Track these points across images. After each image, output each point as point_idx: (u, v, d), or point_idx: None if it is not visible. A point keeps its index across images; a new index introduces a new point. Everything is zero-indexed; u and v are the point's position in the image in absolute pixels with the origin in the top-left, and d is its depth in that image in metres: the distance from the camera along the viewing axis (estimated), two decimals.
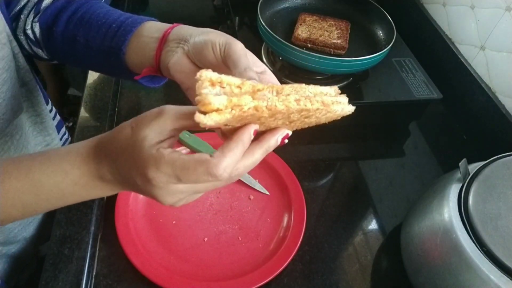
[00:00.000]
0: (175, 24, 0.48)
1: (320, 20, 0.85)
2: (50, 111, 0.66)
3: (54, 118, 0.68)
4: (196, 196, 0.40)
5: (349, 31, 0.84)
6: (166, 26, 0.48)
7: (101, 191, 0.40)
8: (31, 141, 0.59)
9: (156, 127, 0.35)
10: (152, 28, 0.48)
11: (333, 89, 0.41)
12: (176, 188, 0.37)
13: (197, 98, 0.31)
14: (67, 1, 0.54)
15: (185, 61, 0.44)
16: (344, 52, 0.80)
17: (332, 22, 0.85)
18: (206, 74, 0.31)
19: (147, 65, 0.47)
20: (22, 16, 0.55)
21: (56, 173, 0.39)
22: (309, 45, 0.80)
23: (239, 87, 0.32)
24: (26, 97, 0.55)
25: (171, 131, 0.36)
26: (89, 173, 0.39)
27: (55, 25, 0.53)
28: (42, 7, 0.55)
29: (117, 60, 0.49)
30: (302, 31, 0.81)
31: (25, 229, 0.64)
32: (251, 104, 0.31)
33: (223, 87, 0.32)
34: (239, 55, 0.41)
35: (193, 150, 0.73)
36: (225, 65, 0.42)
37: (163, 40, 0.46)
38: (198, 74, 0.31)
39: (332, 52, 0.80)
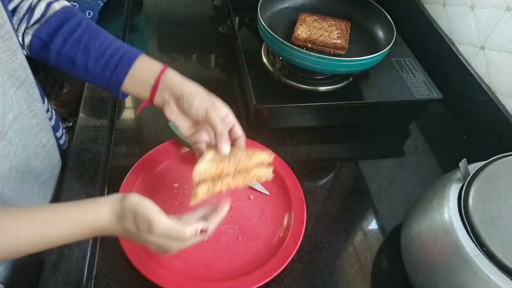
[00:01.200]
0: (163, 68, 0.60)
1: (320, 20, 0.85)
2: (47, 111, 0.65)
3: (50, 119, 0.68)
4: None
5: (349, 31, 0.84)
6: (156, 71, 0.60)
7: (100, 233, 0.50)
8: (30, 144, 0.59)
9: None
10: (144, 71, 0.60)
11: (268, 157, 0.59)
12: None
13: (194, 193, 0.54)
14: (61, 20, 0.59)
15: (176, 109, 0.59)
16: (344, 52, 0.80)
17: (332, 22, 0.85)
18: (198, 180, 0.55)
19: (141, 98, 0.61)
20: (15, 17, 0.57)
21: (82, 210, 0.48)
22: (309, 45, 0.80)
23: (214, 178, 0.56)
24: (22, 97, 0.55)
25: None
26: (108, 224, 0.49)
27: (51, 43, 0.58)
28: (33, 19, 0.58)
29: (115, 87, 0.60)
30: (302, 31, 0.81)
31: None
32: (219, 188, 0.56)
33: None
34: (215, 122, 0.56)
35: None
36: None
37: (156, 88, 0.59)
38: (194, 178, 0.54)
39: (332, 52, 0.80)
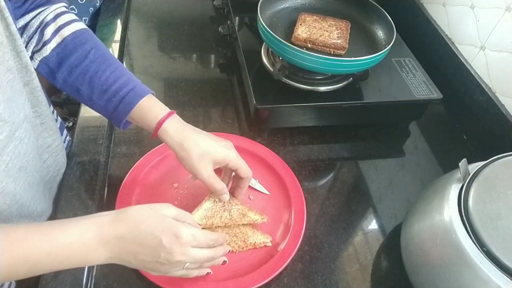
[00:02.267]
0: (164, 117, 0.60)
1: (320, 20, 0.85)
2: (53, 112, 0.66)
3: (56, 120, 0.68)
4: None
5: (349, 31, 0.84)
6: (158, 118, 0.60)
7: (98, 257, 0.48)
8: (38, 145, 0.59)
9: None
10: (147, 115, 0.60)
11: (261, 219, 0.65)
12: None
13: None
14: (70, 49, 0.60)
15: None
16: (344, 52, 0.80)
17: (332, 22, 0.85)
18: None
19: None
20: (24, 35, 0.58)
21: (73, 233, 0.46)
22: (309, 45, 0.80)
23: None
24: (27, 98, 0.55)
25: None
26: (98, 238, 0.47)
27: (58, 71, 0.60)
28: (42, 41, 0.59)
29: (117, 122, 0.62)
30: (302, 31, 0.81)
31: None
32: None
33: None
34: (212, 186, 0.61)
35: None
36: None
37: (156, 133, 0.60)
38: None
39: (332, 52, 0.80)
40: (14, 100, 0.51)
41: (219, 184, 0.61)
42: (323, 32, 0.81)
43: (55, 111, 0.69)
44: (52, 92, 1.14)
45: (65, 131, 0.74)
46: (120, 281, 0.59)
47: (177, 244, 0.49)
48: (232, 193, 0.66)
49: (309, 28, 0.82)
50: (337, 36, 0.81)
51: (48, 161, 0.63)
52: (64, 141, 0.72)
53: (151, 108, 0.61)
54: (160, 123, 0.60)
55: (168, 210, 0.51)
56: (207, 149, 0.60)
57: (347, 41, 0.81)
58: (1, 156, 0.49)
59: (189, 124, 0.63)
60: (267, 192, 0.70)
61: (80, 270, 0.57)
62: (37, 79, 0.56)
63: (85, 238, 0.46)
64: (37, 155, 0.59)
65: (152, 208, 0.50)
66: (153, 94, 0.62)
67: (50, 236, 0.45)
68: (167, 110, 0.61)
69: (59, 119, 0.71)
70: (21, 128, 0.53)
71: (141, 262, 0.49)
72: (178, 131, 0.60)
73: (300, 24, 0.83)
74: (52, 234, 0.46)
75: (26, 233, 0.45)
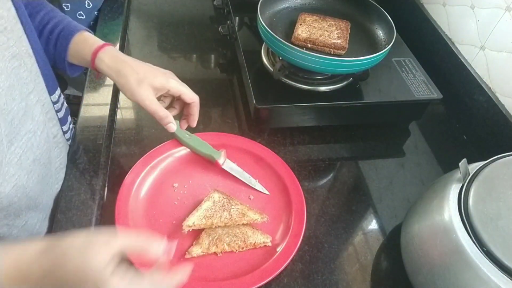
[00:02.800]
0: (101, 46, 0.62)
1: (320, 20, 0.85)
2: (55, 102, 0.65)
3: (59, 111, 0.67)
4: None
5: (349, 31, 0.84)
6: (94, 47, 0.61)
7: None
8: (48, 136, 0.60)
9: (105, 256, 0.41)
10: (81, 50, 0.62)
11: (261, 218, 0.65)
12: None
13: (188, 250, 0.61)
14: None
15: None
16: (344, 52, 0.80)
17: (332, 22, 0.85)
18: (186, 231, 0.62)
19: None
20: None
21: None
22: (309, 45, 0.80)
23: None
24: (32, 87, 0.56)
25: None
26: (19, 274, 0.42)
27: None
28: None
29: (60, 62, 0.64)
30: (302, 31, 0.81)
31: (34, 229, 0.64)
32: (213, 251, 0.62)
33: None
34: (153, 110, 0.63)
35: (194, 150, 0.73)
36: None
37: (94, 59, 0.61)
38: (183, 230, 0.61)
39: (332, 52, 0.80)
40: (18, 87, 0.51)
41: (162, 111, 0.62)
42: (323, 32, 0.81)
43: (58, 100, 0.67)
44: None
45: (68, 123, 0.72)
46: None
47: None
48: (188, 122, 0.70)
49: (309, 28, 0.82)
50: (337, 36, 0.81)
51: (55, 152, 0.64)
52: (67, 133, 0.71)
53: (86, 40, 0.62)
54: (95, 52, 0.60)
55: (105, 254, 0.42)
56: (144, 74, 0.61)
57: (347, 41, 0.81)
58: (12, 148, 0.50)
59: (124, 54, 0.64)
60: (267, 192, 0.70)
61: None
62: (36, 64, 0.56)
63: (4, 275, 0.42)
64: (48, 146, 0.60)
65: (87, 252, 0.42)
66: (88, 31, 0.64)
67: None
68: (102, 42, 0.62)
69: (64, 109, 0.70)
70: (33, 120, 0.53)
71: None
72: (114, 58, 0.61)
73: (300, 24, 0.83)
74: None
75: None
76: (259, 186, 0.71)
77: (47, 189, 0.61)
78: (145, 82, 0.61)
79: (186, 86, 0.65)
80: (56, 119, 0.64)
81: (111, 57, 0.61)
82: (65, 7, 1.06)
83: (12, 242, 0.44)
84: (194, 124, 0.70)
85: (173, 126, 0.66)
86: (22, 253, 0.43)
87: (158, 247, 0.45)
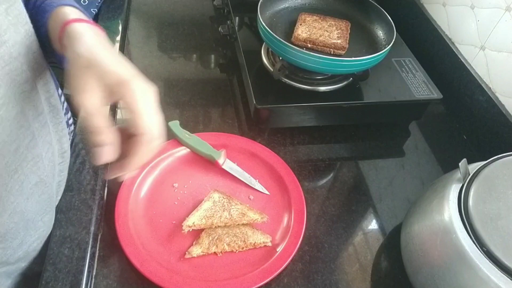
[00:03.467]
0: (78, 20, 0.46)
1: (320, 20, 0.85)
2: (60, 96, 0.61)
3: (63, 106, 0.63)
4: None
5: (349, 31, 0.84)
6: (61, 23, 0.46)
7: None
8: (55, 154, 0.57)
9: None
10: (54, 24, 0.47)
11: (261, 218, 0.65)
12: None
13: (188, 250, 0.61)
14: None
15: None
16: (344, 52, 0.80)
17: (332, 22, 0.85)
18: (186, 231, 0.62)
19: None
20: None
21: None
22: (309, 45, 0.80)
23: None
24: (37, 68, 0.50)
25: None
26: None
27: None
28: None
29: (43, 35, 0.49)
30: (302, 31, 0.81)
31: (31, 247, 0.62)
32: (213, 251, 0.62)
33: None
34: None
35: (194, 150, 0.73)
36: None
37: (61, 36, 0.46)
38: (183, 230, 0.61)
39: (332, 52, 0.80)
40: (29, 110, 0.48)
41: (100, 117, 0.40)
42: (323, 32, 0.81)
43: (64, 103, 0.62)
44: None
45: (69, 113, 0.68)
46: (120, 281, 0.59)
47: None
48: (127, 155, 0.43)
49: (309, 28, 0.82)
50: (337, 36, 0.81)
51: (61, 166, 0.61)
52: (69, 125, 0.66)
53: (64, 13, 0.47)
54: (66, 23, 0.44)
55: None
56: (103, 60, 0.41)
57: (347, 41, 0.81)
58: (16, 176, 0.46)
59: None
60: (267, 192, 0.70)
61: (80, 270, 0.57)
62: (37, 43, 0.50)
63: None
64: (53, 165, 0.56)
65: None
66: (77, 8, 0.50)
67: None
68: (85, 19, 0.47)
69: (65, 104, 0.65)
70: (41, 142, 0.49)
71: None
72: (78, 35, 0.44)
73: (300, 24, 0.83)
74: None
75: None
76: (259, 186, 0.71)
77: (46, 207, 0.57)
78: (95, 70, 0.40)
79: (156, 113, 0.42)
80: (67, 134, 0.59)
81: (81, 32, 0.44)
82: None
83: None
84: (133, 167, 0.43)
85: (108, 154, 0.42)
86: None
87: None
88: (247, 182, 0.71)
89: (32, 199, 0.52)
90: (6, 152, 0.44)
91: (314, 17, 0.85)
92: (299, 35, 0.80)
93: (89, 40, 0.43)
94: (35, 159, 0.49)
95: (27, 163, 0.48)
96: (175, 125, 0.75)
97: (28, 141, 0.47)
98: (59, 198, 0.64)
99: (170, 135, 0.74)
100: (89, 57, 0.40)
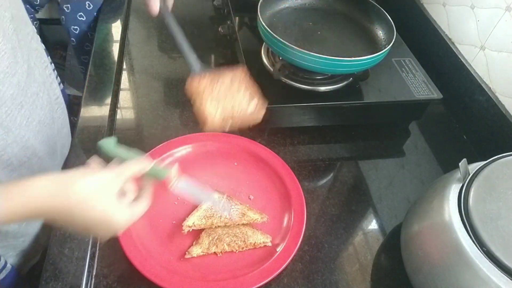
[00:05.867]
0: None
1: (217, 81, 0.64)
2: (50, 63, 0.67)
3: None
4: None
5: (250, 78, 0.66)
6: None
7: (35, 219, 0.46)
8: (50, 97, 0.62)
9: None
10: None
11: (261, 218, 0.65)
12: None
13: (188, 250, 0.61)
14: None
15: None
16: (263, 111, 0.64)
17: (229, 74, 0.66)
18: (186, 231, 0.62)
19: None
20: None
21: (20, 202, 0.42)
22: (227, 130, 0.62)
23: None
24: (35, 47, 0.57)
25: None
26: (41, 208, 0.43)
27: None
28: None
29: None
30: (210, 105, 0.60)
31: (31, 225, 0.66)
32: (213, 251, 0.62)
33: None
34: None
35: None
36: None
37: None
38: (183, 230, 0.61)
39: (250, 126, 0.64)
40: (19, 50, 0.51)
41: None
42: (233, 97, 0.63)
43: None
44: None
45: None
46: (120, 281, 0.59)
47: (111, 230, 0.49)
48: None
49: (217, 99, 0.61)
50: (249, 95, 0.64)
51: (57, 113, 0.66)
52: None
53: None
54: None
55: (111, 192, 0.47)
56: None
57: (259, 96, 0.65)
58: (22, 111, 0.52)
59: None
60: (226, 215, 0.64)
61: (80, 270, 0.57)
62: (31, 25, 0.57)
63: (30, 208, 0.43)
64: (51, 107, 0.61)
65: (98, 192, 0.46)
66: None
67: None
68: None
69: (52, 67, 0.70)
70: (35, 82, 0.54)
71: (73, 229, 0.51)
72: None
73: (202, 103, 0.61)
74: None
75: None
76: (218, 204, 0.64)
77: (53, 152, 0.63)
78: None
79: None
80: (56, 80, 0.65)
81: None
82: (65, 9, 1.06)
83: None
84: None
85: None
86: (28, 190, 0.43)
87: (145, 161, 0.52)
88: (203, 200, 0.64)
89: (39, 137, 0.56)
90: (9, 84, 0.49)
91: (206, 79, 0.64)
92: (212, 116, 0.60)
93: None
94: (33, 97, 0.54)
95: (28, 98, 0.53)
96: (108, 143, 0.55)
97: (25, 77, 0.52)
98: (65, 151, 0.70)
99: (171, 135, 0.74)
100: None
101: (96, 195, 0.46)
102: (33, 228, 0.66)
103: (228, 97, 0.61)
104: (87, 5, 1.05)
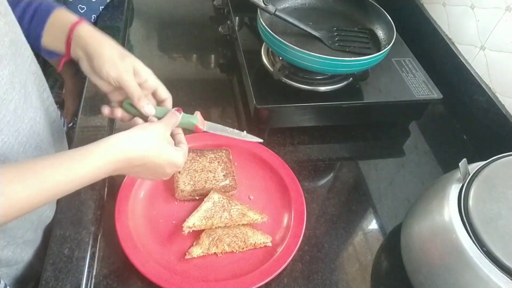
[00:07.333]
0: (76, 21, 0.57)
1: (198, 158, 0.72)
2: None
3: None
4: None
5: (232, 161, 0.73)
6: (70, 24, 0.56)
7: (105, 173, 0.49)
8: (48, 120, 0.62)
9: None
10: (60, 23, 0.57)
11: (261, 218, 0.65)
12: None
13: (188, 251, 0.61)
14: None
15: (89, 68, 0.57)
16: (235, 191, 0.69)
17: (212, 156, 0.73)
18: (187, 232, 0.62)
19: (61, 53, 0.58)
20: None
21: (88, 164, 0.47)
22: (198, 198, 0.68)
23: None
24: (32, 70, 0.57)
25: None
26: (111, 161, 0.49)
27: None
28: None
29: (35, 40, 0.58)
30: (184, 183, 0.68)
31: (26, 252, 0.64)
32: (213, 251, 0.62)
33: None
34: (129, 89, 0.56)
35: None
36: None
37: (69, 43, 0.56)
38: (183, 231, 0.61)
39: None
40: (17, 75, 0.51)
41: (139, 89, 0.57)
42: (207, 174, 0.70)
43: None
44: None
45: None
46: (120, 281, 0.59)
47: (175, 168, 0.57)
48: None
49: (190, 175, 0.69)
50: (223, 175, 0.70)
51: (55, 136, 0.66)
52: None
53: (64, 15, 0.58)
54: (76, 23, 0.56)
55: (165, 140, 0.56)
56: (127, 53, 0.58)
57: (234, 177, 0.70)
58: (19, 138, 0.52)
59: None
60: (260, 140, 0.67)
61: (80, 270, 0.57)
62: (29, 49, 0.56)
63: (99, 167, 0.48)
64: (48, 132, 0.61)
65: (158, 141, 0.54)
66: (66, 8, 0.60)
67: (66, 154, 0.47)
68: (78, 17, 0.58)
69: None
70: (32, 107, 0.54)
71: (138, 176, 0.59)
72: (94, 33, 0.57)
73: (180, 173, 0.69)
74: (69, 166, 0.46)
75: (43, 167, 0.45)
76: (249, 137, 0.67)
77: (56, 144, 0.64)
78: (128, 59, 0.57)
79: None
80: (54, 104, 0.65)
81: (90, 30, 0.57)
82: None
83: None
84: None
85: (151, 108, 0.58)
86: (105, 146, 0.49)
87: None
88: (235, 136, 0.66)
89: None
90: (6, 110, 0.49)
91: (191, 155, 0.72)
92: (183, 190, 0.67)
93: (110, 40, 0.57)
94: (30, 122, 0.54)
95: (25, 124, 0.53)
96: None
97: (22, 103, 0.52)
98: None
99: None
100: (121, 51, 0.57)
101: (159, 144, 0.54)
102: (27, 256, 0.64)
103: (202, 176, 0.70)
104: (97, 2, 1.04)
